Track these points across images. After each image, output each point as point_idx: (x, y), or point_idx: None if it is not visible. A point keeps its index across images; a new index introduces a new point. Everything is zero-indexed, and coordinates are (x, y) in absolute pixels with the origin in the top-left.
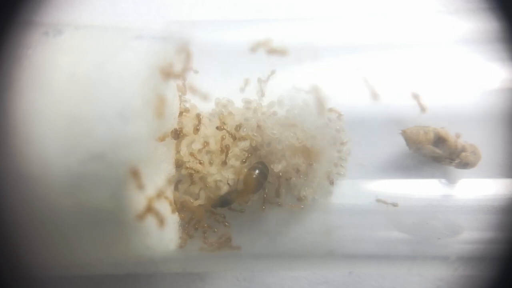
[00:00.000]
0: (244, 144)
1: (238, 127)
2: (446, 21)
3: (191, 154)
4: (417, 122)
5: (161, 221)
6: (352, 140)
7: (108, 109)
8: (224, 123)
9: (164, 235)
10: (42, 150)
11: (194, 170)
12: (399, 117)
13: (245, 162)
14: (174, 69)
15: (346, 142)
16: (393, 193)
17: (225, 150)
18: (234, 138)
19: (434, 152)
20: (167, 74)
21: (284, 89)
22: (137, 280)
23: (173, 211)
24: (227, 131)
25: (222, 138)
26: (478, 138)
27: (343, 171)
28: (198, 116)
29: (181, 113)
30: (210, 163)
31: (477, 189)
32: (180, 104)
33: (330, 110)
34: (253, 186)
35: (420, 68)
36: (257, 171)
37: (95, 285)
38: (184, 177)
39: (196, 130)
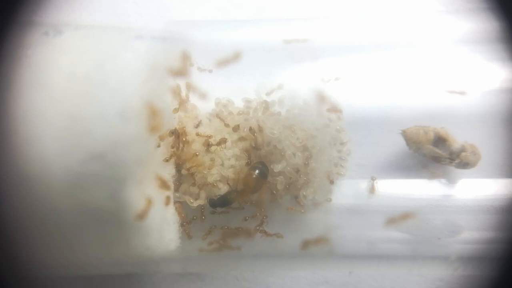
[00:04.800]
0: (244, 144)
1: (237, 127)
2: (446, 21)
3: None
4: (417, 122)
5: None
6: (352, 140)
7: (108, 109)
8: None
9: (164, 235)
10: (42, 150)
11: (194, 170)
12: (399, 117)
13: (248, 163)
14: (179, 69)
15: (346, 142)
16: (393, 193)
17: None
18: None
19: (434, 152)
20: (175, 73)
21: (284, 89)
22: (137, 280)
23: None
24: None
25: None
26: (478, 138)
27: (343, 171)
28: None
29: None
30: (210, 163)
31: (477, 189)
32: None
33: (329, 109)
34: (253, 186)
35: (420, 68)
36: (257, 171)
37: (95, 285)
38: (184, 177)
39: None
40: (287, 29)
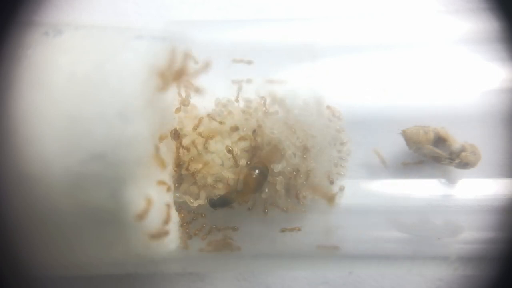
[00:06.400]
0: (244, 144)
1: (235, 128)
2: (446, 21)
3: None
4: (417, 122)
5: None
6: (352, 140)
7: (108, 109)
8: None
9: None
10: (42, 150)
11: (194, 170)
12: (399, 117)
13: (249, 163)
14: (179, 68)
15: (346, 142)
16: (393, 193)
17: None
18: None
19: (434, 152)
20: (175, 73)
21: (284, 89)
22: (137, 280)
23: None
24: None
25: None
26: (478, 138)
27: (343, 171)
28: (200, 119)
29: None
30: (210, 163)
31: (477, 189)
32: (179, 105)
33: (328, 107)
34: (253, 186)
35: (420, 68)
36: (257, 171)
37: (95, 285)
38: (184, 177)
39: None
40: (287, 29)
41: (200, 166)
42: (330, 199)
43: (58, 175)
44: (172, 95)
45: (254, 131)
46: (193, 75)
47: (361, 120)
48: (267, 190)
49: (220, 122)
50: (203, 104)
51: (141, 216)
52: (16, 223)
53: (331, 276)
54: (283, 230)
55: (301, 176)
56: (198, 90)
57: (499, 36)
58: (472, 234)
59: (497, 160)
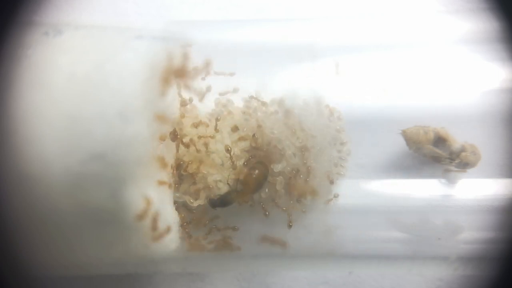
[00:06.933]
0: (244, 144)
1: (235, 128)
2: (446, 21)
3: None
4: (417, 122)
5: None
6: (352, 140)
7: (108, 109)
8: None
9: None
10: (42, 150)
11: (194, 170)
12: (399, 117)
13: (246, 164)
14: (179, 69)
15: (346, 142)
16: (393, 193)
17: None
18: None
19: (434, 152)
20: (175, 73)
21: (284, 89)
22: (137, 280)
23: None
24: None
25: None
26: (478, 138)
27: (343, 171)
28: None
29: (182, 115)
30: (211, 163)
31: (477, 189)
32: (179, 106)
33: (328, 107)
34: (253, 186)
35: (420, 68)
36: (257, 171)
37: (95, 285)
38: (184, 177)
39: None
40: (287, 29)
41: (200, 166)
42: (313, 192)
43: (58, 175)
44: (172, 95)
45: (253, 135)
46: (193, 75)
47: (361, 120)
48: (267, 190)
49: (218, 120)
50: (203, 104)
51: (141, 216)
52: (16, 223)
53: (331, 276)
54: (289, 226)
55: (301, 176)
56: (197, 90)
57: (499, 36)
58: (472, 234)
59: (497, 160)
